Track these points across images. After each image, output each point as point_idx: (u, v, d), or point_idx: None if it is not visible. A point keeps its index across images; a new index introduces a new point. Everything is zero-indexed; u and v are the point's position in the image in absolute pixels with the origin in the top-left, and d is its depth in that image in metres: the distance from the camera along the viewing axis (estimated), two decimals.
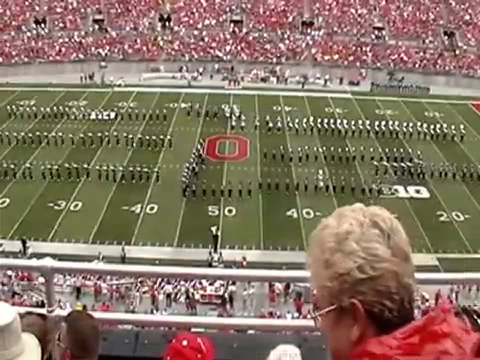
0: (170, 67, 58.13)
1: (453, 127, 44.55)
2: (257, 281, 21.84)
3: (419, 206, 34.22)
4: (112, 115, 46.07)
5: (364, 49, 60.86)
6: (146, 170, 36.61)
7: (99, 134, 41.33)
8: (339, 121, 44.94)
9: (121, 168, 36.75)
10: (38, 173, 36.28)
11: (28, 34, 60.43)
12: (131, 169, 36.70)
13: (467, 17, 63.98)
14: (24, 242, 29.06)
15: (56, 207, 33.28)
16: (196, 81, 55.88)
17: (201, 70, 57.93)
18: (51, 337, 2.58)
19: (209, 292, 26.81)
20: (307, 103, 50.47)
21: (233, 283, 26.22)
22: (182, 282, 26.53)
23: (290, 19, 64.33)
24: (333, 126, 44.15)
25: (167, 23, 63.89)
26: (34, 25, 61.65)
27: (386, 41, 62.03)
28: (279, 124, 44.49)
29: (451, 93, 52.89)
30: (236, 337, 3.97)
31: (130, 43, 61.02)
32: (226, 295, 26.46)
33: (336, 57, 59.94)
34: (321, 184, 35.57)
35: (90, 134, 41.49)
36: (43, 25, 61.91)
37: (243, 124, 44.87)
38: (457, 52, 60.22)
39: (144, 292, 26.88)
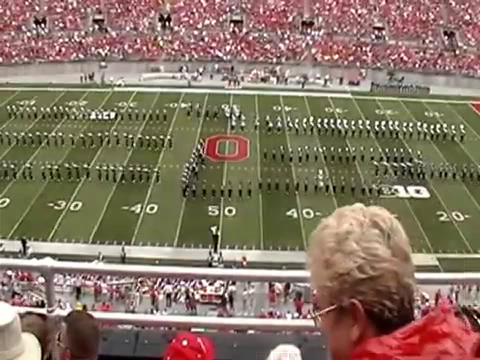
0: (170, 67, 58.13)
1: (453, 127, 44.55)
2: (257, 281, 21.84)
3: (419, 206, 34.21)
4: (112, 115, 46.07)
5: (364, 49, 60.86)
6: (146, 170, 36.61)
7: (99, 134, 41.32)
8: (339, 121, 44.92)
9: (121, 168, 36.74)
10: (38, 173, 36.27)
11: (28, 34, 60.43)
12: (131, 169, 36.69)
13: (467, 17, 63.97)
14: (24, 242, 29.06)
15: (56, 207, 33.28)
16: (196, 81, 55.88)
17: (201, 70, 57.93)
18: (51, 337, 2.58)
19: (209, 292, 26.81)
20: (307, 103, 50.47)
21: (233, 283, 26.21)
22: (182, 282, 26.52)
23: (290, 19, 64.32)
24: (333, 126, 44.13)
25: (167, 23, 63.89)
26: (34, 25, 61.65)
27: (386, 41, 62.01)
28: (279, 124, 44.47)
29: (451, 93, 52.89)
30: (236, 337, 3.97)
31: (130, 43, 61.02)
32: (226, 295, 26.45)
33: (336, 57, 59.93)
34: (321, 184, 35.56)
35: (90, 134, 41.49)
36: (43, 25, 61.91)
37: (243, 124, 44.85)
38: (457, 52, 60.22)
39: (144, 292, 26.87)
